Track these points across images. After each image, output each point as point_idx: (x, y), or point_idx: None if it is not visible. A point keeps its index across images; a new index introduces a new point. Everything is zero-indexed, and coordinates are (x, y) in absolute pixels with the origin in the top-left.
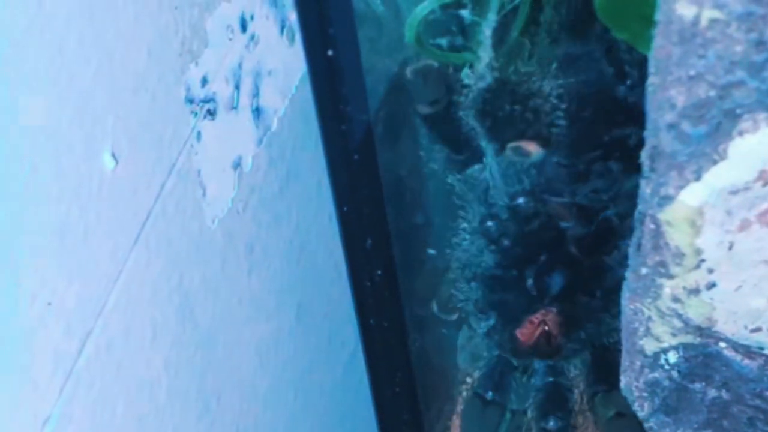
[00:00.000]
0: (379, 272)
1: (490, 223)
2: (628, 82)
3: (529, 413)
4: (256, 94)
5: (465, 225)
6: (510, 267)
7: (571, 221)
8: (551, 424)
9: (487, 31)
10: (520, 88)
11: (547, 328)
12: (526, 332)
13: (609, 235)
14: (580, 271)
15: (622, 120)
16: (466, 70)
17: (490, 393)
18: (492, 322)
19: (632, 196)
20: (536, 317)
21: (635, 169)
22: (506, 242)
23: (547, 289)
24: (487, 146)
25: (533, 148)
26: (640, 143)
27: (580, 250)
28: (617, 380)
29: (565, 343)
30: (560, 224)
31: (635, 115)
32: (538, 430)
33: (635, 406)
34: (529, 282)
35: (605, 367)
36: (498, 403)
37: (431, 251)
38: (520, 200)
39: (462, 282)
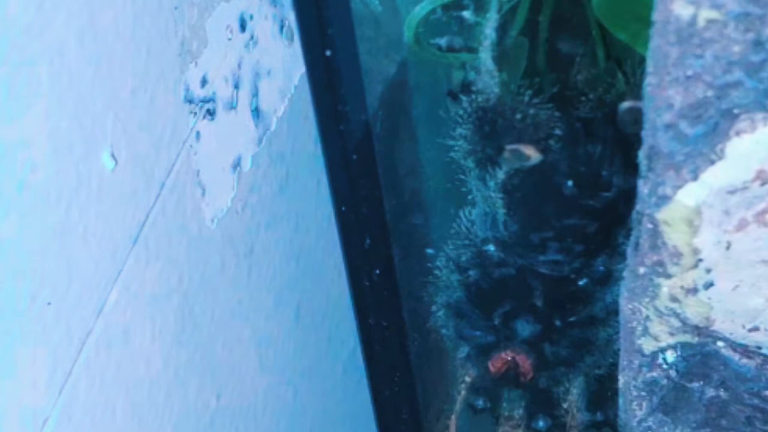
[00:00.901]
0: (378, 271)
1: (463, 258)
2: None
3: (518, 414)
4: (255, 94)
5: (442, 255)
6: (478, 306)
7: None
8: (540, 424)
9: (487, 31)
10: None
11: (517, 365)
12: (496, 365)
13: (577, 295)
14: (549, 321)
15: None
16: (472, 73)
17: (481, 402)
18: (466, 350)
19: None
20: (506, 354)
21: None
22: (475, 281)
23: (515, 333)
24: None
25: (531, 153)
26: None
27: (547, 304)
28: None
29: (539, 378)
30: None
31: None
32: (528, 430)
33: (633, 406)
34: (497, 322)
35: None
36: (489, 410)
37: (430, 251)
38: (491, 247)
39: (437, 308)
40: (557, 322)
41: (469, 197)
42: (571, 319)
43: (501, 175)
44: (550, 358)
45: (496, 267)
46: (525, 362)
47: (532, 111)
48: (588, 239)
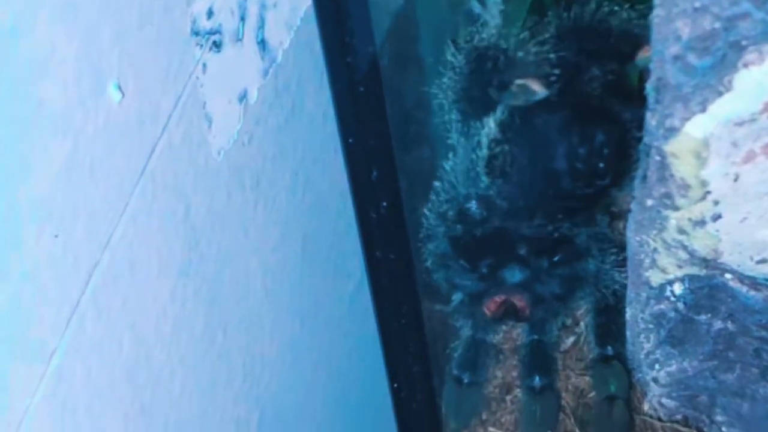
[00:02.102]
0: (385, 204)
1: (448, 212)
2: None
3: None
4: (261, 26)
5: (430, 205)
6: (464, 257)
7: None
8: (536, 381)
9: None
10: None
11: (513, 304)
12: (491, 308)
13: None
14: (537, 266)
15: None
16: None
17: (467, 375)
18: (460, 296)
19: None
20: (499, 297)
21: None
22: (460, 235)
23: (504, 280)
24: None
25: (538, 87)
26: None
27: (532, 253)
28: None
29: (537, 312)
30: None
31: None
32: (524, 388)
33: (641, 338)
34: (484, 272)
35: (609, 328)
36: (475, 383)
37: (437, 183)
38: (473, 204)
39: (428, 254)
40: (545, 265)
41: (451, 153)
42: (557, 258)
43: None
44: (545, 295)
45: (479, 224)
46: (520, 300)
47: (535, 48)
48: (571, 208)
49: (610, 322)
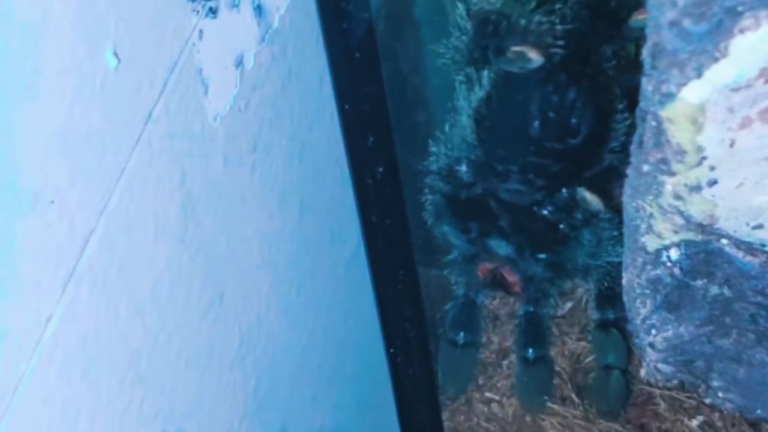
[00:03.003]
0: (381, 170)
1: (443, 168)
2: None
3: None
4: None
5: (432, 157)
6: (455, 216)
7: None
8: (530, 353)
9: None
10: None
11: (503, 276)
12: (482, 272)
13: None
14: (520, 244)
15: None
16: None
17: (462, 335)
18: (455, 254)
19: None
20: (490, 264)
21: None
22: (452, 193)
23: (491, 249)
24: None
25: (534, 55)
26: None
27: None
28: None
29: (529, 289)
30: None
31: None
32: (518, 359)
33: (637, 303)
34: (473, 236)
35: (611, 294)
36: (470, 343)
37: (434, 149)
38: (463, 167)
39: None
40: (528, 246)
41: (451, 114)
42: (541, 239)
43: (479, 94)
44: (536, 273)
45: (467, 187)
46: (510, 275)
47: (540, 17)
48: (550, 174)
49: (611, 287)
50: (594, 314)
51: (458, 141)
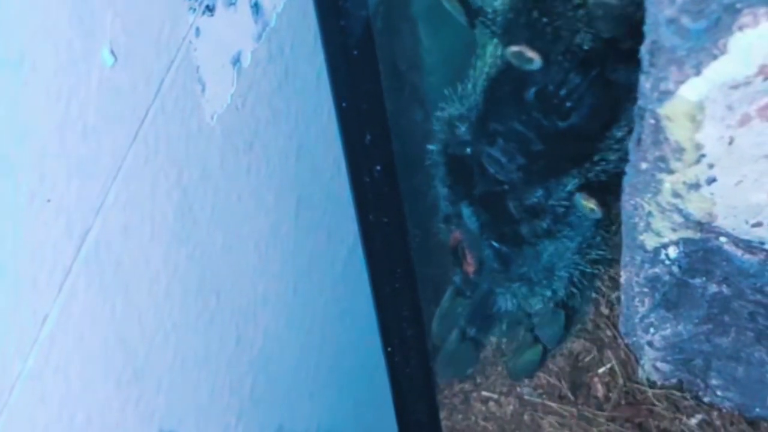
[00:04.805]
0: (378, 168)
1: (447, 119)
2: None
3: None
4: None
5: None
6: (444, 168)
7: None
8: (472, 332)
9: None
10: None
11: (464, 251)
12: (453, 239)
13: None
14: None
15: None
16: None
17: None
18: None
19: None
20: (458, 235)
21: None
22: (445, 147)
23: (463, 218)
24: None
25: (534, 56)
26: None
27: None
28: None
29: (482, 277)
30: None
31: None
32: (458, 327)
33: (635, 302)
34: (453, 198)
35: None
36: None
37: (431, 147)
38: (461, 126)
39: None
40: (488, 229)
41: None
42: (502, 229)
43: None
44: (494, 264)
45: (458, 145)
46: (469, 253)
47: (546, 19)
48: (531, 154)
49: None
50: (561, 293)
51: (464, 100)
